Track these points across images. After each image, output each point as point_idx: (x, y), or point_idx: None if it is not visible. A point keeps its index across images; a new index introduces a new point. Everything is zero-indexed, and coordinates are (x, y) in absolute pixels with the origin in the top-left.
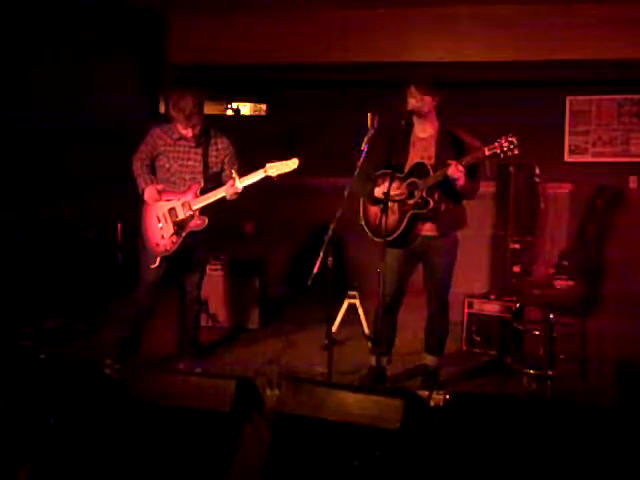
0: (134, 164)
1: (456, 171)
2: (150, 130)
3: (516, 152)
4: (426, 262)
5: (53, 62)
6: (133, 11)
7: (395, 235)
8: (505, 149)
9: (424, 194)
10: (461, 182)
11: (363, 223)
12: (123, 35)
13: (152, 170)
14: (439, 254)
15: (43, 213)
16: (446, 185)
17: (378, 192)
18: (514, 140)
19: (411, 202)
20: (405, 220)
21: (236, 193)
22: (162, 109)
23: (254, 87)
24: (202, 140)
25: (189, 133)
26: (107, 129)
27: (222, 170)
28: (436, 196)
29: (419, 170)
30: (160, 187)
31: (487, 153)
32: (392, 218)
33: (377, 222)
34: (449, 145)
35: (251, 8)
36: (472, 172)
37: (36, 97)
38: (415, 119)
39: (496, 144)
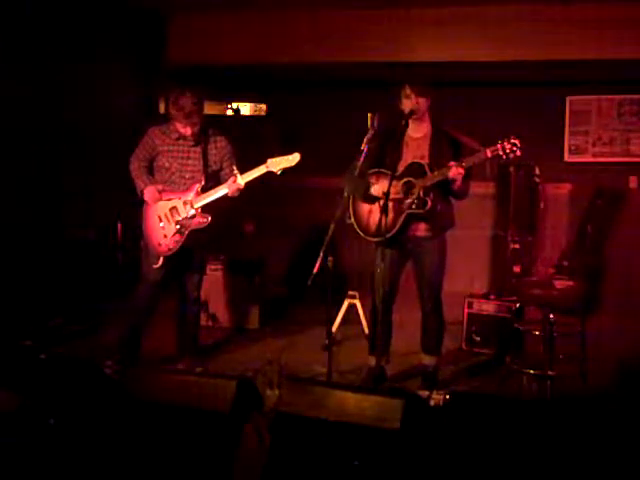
0: (132, 165)
1: (457, 173)
2: (148, 131)
3: (518, 154)
4: (418, 262)
5: (52, 63)
6: (133, 11)
7: (390, 235)
8: (507, 151)
9: (421, 194)
10: (459, 183)
11: (353, 221)
12: (123, 35)
13: (150, 171)
14: (432, 254)
15: (44, 213)
16: (441, 185)
17: (377, 191)
18: (517, 142)
19: (408, 201)
20: (401, 220)
21: (239, 189)
22: (162, 109)
23: (254, 87)
24: (201, 139)
25: (188, 132)
26: (107, 129)
27: (221, 169)
28: (432, 196)
29: (415, 170)
30: (160, 187)
31: (489, 155)
32: (388, 217)
33: (367, 220)
34: (444, 145)
35: (251, 8)
36: (467, 173)
37: (35, 98)
38: (410, 119)
39: (498, 146)
